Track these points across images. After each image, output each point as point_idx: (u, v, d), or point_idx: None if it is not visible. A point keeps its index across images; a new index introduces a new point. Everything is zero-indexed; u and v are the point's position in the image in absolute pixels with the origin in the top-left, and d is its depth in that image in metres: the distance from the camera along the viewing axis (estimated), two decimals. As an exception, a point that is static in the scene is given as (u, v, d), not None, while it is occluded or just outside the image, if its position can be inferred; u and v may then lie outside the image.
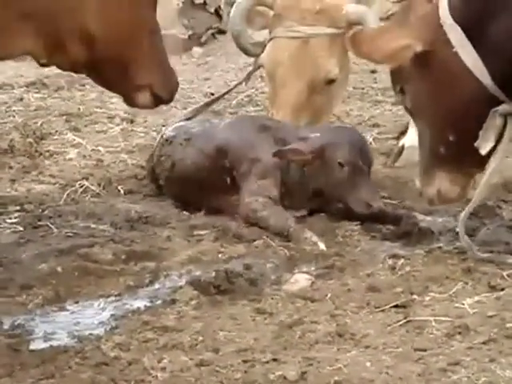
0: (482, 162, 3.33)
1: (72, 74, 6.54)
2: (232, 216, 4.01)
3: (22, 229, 3.93)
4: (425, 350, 2.78)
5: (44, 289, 3.30)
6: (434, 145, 3.38)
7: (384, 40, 3.29)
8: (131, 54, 3.12)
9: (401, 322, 2.98)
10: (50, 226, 3.91)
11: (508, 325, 2.91)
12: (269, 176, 4.00)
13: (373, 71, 6.58)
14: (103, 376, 2.68)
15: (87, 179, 4.54)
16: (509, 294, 3.14)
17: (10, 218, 4.06)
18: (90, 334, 2.96)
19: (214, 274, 3.31)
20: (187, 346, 2.86)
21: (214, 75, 7.32)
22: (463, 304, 3.08)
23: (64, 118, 5.66)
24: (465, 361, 2.70)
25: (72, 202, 4.29)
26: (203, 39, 8.83)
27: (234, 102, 5.99)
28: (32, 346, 2.91)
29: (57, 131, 5.38)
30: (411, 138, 4.45)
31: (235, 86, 5.15)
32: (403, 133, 4.89)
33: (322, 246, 3.67)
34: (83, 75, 6.42)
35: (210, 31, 8.90)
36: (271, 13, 4.43)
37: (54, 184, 4.54)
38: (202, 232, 3.87)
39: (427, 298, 3.15)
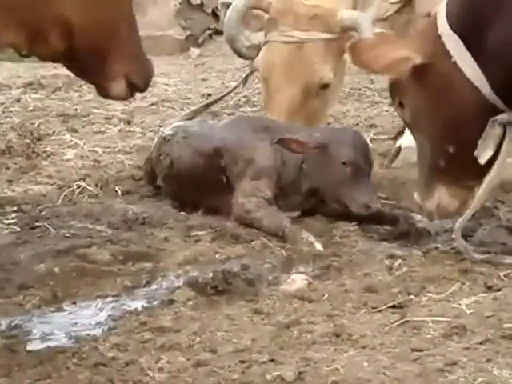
0: (481, 174, 3.32)
1: (70, 74, 6.58)
2: (228, 216, 4.01)
3: (19, 229, 3.93)
4: (422, 351, 2.78)
5: (41, 289, 3.30)
6: (434, 158, 3.38)
7: (383, 51, 3.28)
8: (108, 43, 3.17)
9: (398, 323, 2.98)
10: (48, 226, 3.91)
11: (505, 325, 2.91)
12: (263, 177, 4.01)
13: (370, 72, 6.58)
14: (101, 376, 2.68)
15: (84, 180, 4.54)
16: (506, 295, 3.15)
17: (8, 219, 4.06)
18: (88, 335, 2.95)
19: (211, 274, 3.32)
20: (184, 346, 2.86)
21: (211, 76, 7.33)
22: (460, 304, 3.09)
23: (61, 118, 5.67)
24: (462, 361, 2.71)
25: (69, 203, 4.29)
26: (200, 40, 8.84)
27: (231, 102, 6.00)
28: (29, 347, 2.90)
29: (54, 132, 5.38)
30: (408, 139, 4.45)
31: (233, 89, 5.16)
32: (400, 134, 4.90)
33: (318, 246, 3.67)
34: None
35: (207, 32, 8.91)
36: (266, 16, 4.44)
37: (52, 185, 4.55)
38: (199, 233, 3.88)
39: (424, 299, 3.16)
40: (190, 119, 4.77)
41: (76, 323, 3.09)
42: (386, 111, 5.82)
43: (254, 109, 5.92)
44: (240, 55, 4.55)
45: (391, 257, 3.55)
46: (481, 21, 3.19)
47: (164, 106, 6.14)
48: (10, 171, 4.74)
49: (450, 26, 3.23)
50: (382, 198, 4.19)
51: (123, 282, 3.39)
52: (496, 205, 4.06)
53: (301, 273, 3.44)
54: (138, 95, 6.34)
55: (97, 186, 4.48)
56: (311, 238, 3.71)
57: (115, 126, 5.56)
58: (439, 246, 3.65)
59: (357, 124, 5.55)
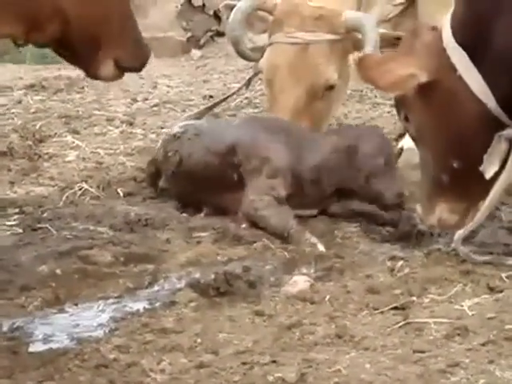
0: (485, 190, 3.31)
1: (71, 76, 6.59)
2: (235, 214, 4.00)
3: (21, 231, 3.93)
4: (424, 352, 2.78)
5: (43, 291, 3.30)
6: (437, 173, 3.37)
7: (389, 68, 3.27)
8: (104, 29, 3.24)
9: (400, 324, 2.98)
10: (50, 228, 3.91)
11: (507, 326, 2.91)
12: (278, 175, 4.01)
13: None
14: (102, 378, 2.68)
15: (86, 181, 4.54)
16: (508, 296, 3.15)
17: (9, 221, 4.06)
18: (90, 336, 2.96)
19: (213, 276, 3.31)
20: (186, 348, 2.86)
21: (212, 77, 7.33)
22: (462, 306, 3.09)
23: (63, 120, 5.66)
24: (464, 362, 2.70)
25: (71, 205, 4.29)
26: (202, 42, 8.84)
27: (232, 104, 6.00)
28: (31, 349, 2.90)
29: (56, 133, 5.38)
30: (410, 141, 4.45)
31: (236, 91, 5.16)
32: (402, 135, 4.90)
33: (321, 247, 3.67)
34: (82, 77, 6.44)
35: (209, 34, 8.91)
36: (271, 18, 4.44)
37: (53, 186, 4.54)
38: (201, 234, 3.87)
39: (426, 300, 3.15)
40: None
41: (78, 325, 3.09)
42: (388, 112, 5.81)
43: (256, 110, 5.91)
44: (244, 57, 4.55)
45: (393, 258, 3.55)
46: (485, 33, 3.17)
47: (166, 108, 6.14)
48: (11, 173, 4.74)
49: (455, 38, 3.22)
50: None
51: (125, 284, 3.39)
52: (498, 206, 4.05)
53: (303, 274, 3.43)
54: (140, 97, 6.43)
55: (99, 187, 4.48)
56: (314, 239, 3.71)
57: (117, 127, 5.56)
58: (441, 247, 3.64)
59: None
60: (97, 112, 5.89)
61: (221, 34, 8.68)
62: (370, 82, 3.40)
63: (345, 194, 4.06)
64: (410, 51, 3.29)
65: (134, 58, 3.39)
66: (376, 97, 6.19)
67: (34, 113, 5.85)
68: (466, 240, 3.51)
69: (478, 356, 2.74)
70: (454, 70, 3.22)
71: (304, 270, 3.49)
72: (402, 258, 3.54)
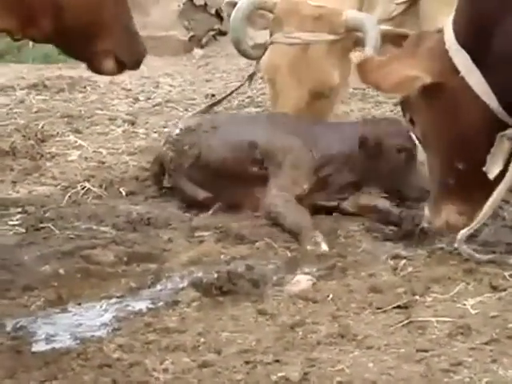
0: (491, 191, 3.31)
1: (73, 76, 6.59)
2: (251, 209, 4.00)
3: (23, 231, 3.94)
4: (427, 351, 2.78)
5: (46, 291, 3.30)
6: (443, 175, 3.38)
7: (392, 70, 3.26)
8: (98, 22, 3.26)
9: (403, 323, 2.98)
10: (52, 227, 3.92)
11: (510, 325, 2.91)
12: (301, 167, 4.02)
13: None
14: (105, 378, 2.68)
15: (89, 181, 4.54)
16: (511, 295, 3.14)
17: (12, 220, 4.06)
18: (92, 336, 2.96)
19: (215, 275, 3.31)
20: (189, 347, 2.86)
21: (214, 77, 7.32)
22: (465, 304, 3.08)
23: (65, 119, 5.66)
24: (467, 361, 2.70)
25: (74, 204, 4.29)
26: (204, 41, 8.83)
27: (235, 103, 6.00)
28: (34, 348, 2.90)
29: (58, 133, 5.38)
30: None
31: (238, 88, 5.16)
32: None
33: (324, 246, 3.67)
34: (84, 76, 6.43)
35: (211, 33, 8.90)
36: (271, 15, 4.43)
37: (56, 186, 4.55)
38: (203, 233, 3.88)
39: (429, 299, 3.15)
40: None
41: (81, 324, 3.09)
42: (391, 111, 5.81)
43: (258, 109, 5.91)
44: (245, 55, 4.55)
45: (396, 257, 3.55)
46: (487, 35, 3.17)
47: (168, 107, 6.14)
48: (14, 172, 4.74)
49: (457, 40, 3.22)
50: (385, 197, 4.19)
51: (128, 283, 3.39)
52: (501, 205, 4.04)
53: (305, 273, 3.43)
54: (142, 96, 6.43)
55: (101, 187, 4.48)
56: (319, 238, 3.71)
57: (119, 127, 5.56)
58: (444, 246, 3.64)
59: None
60: (99, 111, 5.89)
61: (223, 33, 8.68)
62: (371, 84, 3.40)
63: (364, 186, 4.09)
64: (412, 53, 3.28)
65: (132, 53, 3.41)
66: (378, 95, 6.18)
67: (36, 112, 5.85)
68: (469, 239, 3.51)
69: (481, 355, 2.74)
70: (457, 71, 3.22)
71: (306, 269, 3.49)
72: (404, 257, 3.53)
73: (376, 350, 2.80)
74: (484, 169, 3.23)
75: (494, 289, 3.21)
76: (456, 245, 3.48)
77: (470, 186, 3.33)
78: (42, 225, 3.97)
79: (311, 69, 4.30)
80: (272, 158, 4.06)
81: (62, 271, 3.44)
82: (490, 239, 3.67)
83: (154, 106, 6.17)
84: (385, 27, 4.33)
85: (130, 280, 3.41)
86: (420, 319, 2.99)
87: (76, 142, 5.22)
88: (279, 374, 2.66)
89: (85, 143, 5.18)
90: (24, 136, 5.18)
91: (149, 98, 6.37)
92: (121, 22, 3.35)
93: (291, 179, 4.00)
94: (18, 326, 3.05)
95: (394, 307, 3.10)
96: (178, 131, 4.34)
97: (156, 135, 5.36)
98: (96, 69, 3.39)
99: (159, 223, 4.00)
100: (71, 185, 4.51)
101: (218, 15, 8.82)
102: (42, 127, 5.42)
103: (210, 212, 4.09)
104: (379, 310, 3.08)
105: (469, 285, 3.25)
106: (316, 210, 4.05)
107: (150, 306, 3.20)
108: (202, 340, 2.90)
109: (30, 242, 3.79)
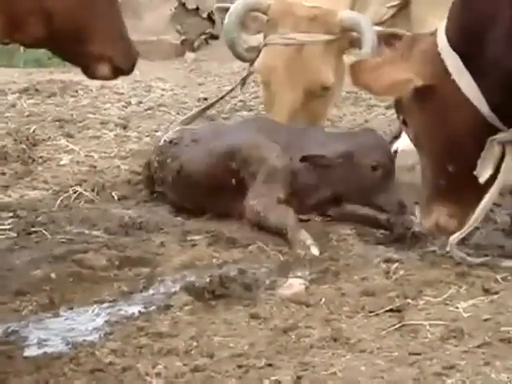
0: (480, 194, 3.31)
1: (65, 79, 6.58)
2: (237, 219, 4.00)
3: (15, 235, 3.92)
4: (419, 354, 2.78)
5: (38, 295, 3.29)
6: (434, 177, 3.38)
7: (384, 72, 3.27)
8: (88, 25, 3.24)
9: (395, 326, 2.97)
10: (44, 232, 3.91)
11: (502, 328, 2.91)
12: (277, 178, 4.00)
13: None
14: (98, 382, 2.67)
15: (81, 185, 4.53)
16: (503, 298, 3.15)
17: (4, 225, 4.05)
18: (84, 341, 2.94)
19: (208, 279, 3.31)
20: (182, 351, 2.85)
21: (206, 80, 7.33)
22: (457, 308, 3.08)
23: (57, 123, 5.66)
24: (459, 365, 2.70)
25: (65, 208, 4.28)
26: (196, 44, 8.85)
27: (227, 107, 6.00)
28: (26, 353, 2.89)
29: (50, 137, 5.38)
30: (404, 142, 4.45)
31: (230, 91, 5.16)
32: (397, 137, 4.90)
33: (315, 251, 3.66)
34: (76, 80, 6.43)
35: (203, 36, 8.92)
36: (265, 18, 4.43)
37: (48, 190, 4.54)
38: (195, 237, 3.87)
39: (421, 302, 3.15)
40: (187, 124, 4.76)
41: (73, 329, 3.08)
42: (383, 115, 5.82)
43: (251, 113, 5.91)
44: (240, 58, 4.54)
45: (388, 260, 3.54)
46: (479, 39, 3.18)
47: (160, 111, 6.14)
48: (5, 177, 4.73)
49: (450, 43, 3.23)
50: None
51: (120, 288, 3.38)
52: (492, 208, 4.05)
53: (298, 277, 3.43)
54: (134, 100, 6.43)
55: (93, 191, 4.48)
56: (309, 241, 3.70)
57: (111, 130, 5.56)
58: (436, 249, 3.65)
59: (353, 128, 5.54)
60: (91, 115, 5.88)
61: (215, 37, 8.70)
62: (363, 86, 3.41)
63: (343, 200, 4.06)
64: (405, 55, 3.29)
65: (127, 58, 3.39)
66: (371, 99, 6.20)
67: (27, 116, 5.85)
68: (461, 242, 3.51)
69: (473, 358, 2.74)
70: (449, 74, 3.22)
71: (299, 273, 3.48)
72: (397, 261, 3.53)
73: (369, 354, 2.80)
74: (475, 173, 3.24)
75: (487, 292, 3.21)
76: (448, 248, 3.48)
77: (461, 189, 3.34)
78: (33, 229, 3.96)
79: (306, 69, 4.30)
80: (248, 168, 4.05)
81: (53, 275, 3.43)
82: (481, 242, 3.68)
83: (146, 109, 6.18)
84: (379, 28, 4.34)
85: (122, 284, 3.41)
86: (412, 322, 2.99)
87: (68, 146, 5.22)
88: (272, 378, 2.65)
89: (76, 147, 5.18)
90: (15, 140, 5.18)
91: (141, 102, 6.37)
92: (113, 27, 3.33)
93: (267, 188, 3.98)
94: (9, 330, 3.04)
95: (387, 311, 3.09)
96: (162, 143, 4.36)
97: (148, 139, 5.36)
98: (91, 74, 3.36)
99: (151, 227, 3.99)
100: (63, 189, 4.51)
101: (210, 19, 8.83)
102: (34, 131, 5.42)
103: (196, 219, 4.10)
104: (372, 314, 3.08)
105: (461, 288, 3.26)
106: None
107: (143, 310, 3.19)
108: (195, 344, 2.89)
109: (22, 246, 3.78)
